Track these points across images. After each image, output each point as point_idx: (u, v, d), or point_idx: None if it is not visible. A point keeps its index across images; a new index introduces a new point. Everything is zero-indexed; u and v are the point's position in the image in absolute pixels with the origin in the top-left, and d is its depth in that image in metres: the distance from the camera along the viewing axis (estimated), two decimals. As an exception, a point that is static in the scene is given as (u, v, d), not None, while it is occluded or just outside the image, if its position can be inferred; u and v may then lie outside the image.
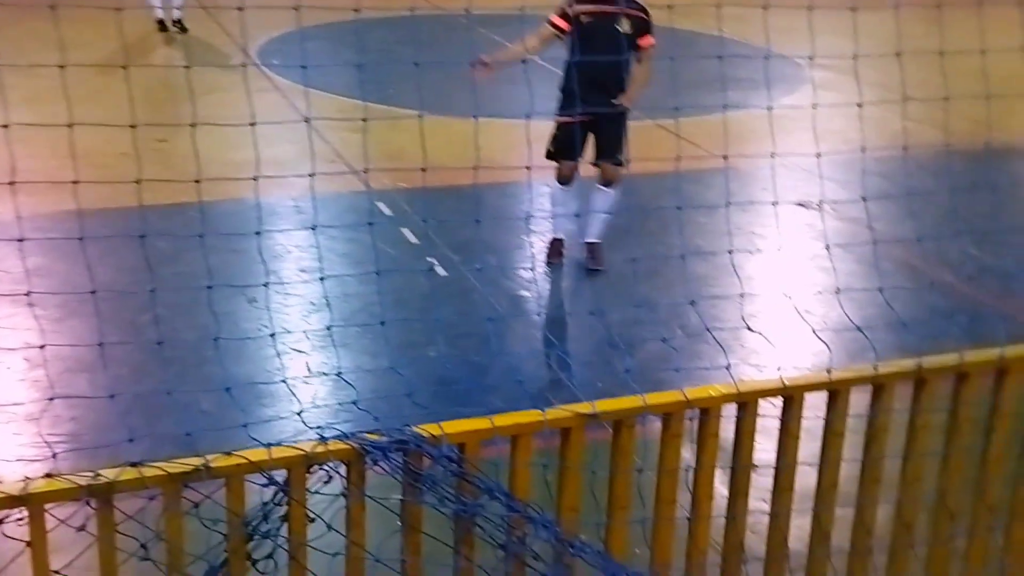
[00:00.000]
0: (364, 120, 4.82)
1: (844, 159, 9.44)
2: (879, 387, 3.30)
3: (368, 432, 2.88)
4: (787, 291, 7.13)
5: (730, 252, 5.49)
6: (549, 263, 7.85)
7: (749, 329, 6.16)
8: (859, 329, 3.56)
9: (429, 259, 7.58)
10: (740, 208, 8.65)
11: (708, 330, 5.15)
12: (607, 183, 7.76)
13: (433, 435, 2.85)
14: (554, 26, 7.46)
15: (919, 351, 5.73)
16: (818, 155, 4.34)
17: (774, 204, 8.23)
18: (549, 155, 7.64)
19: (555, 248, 7.92)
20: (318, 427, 2.93)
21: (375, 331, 6.16)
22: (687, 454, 3.18)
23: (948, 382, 3.45)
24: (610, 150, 7.64)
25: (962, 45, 5.14)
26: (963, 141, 9.54)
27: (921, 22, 5.45)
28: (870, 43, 5.08)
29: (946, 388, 3.48)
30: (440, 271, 7.46)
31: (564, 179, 7.77)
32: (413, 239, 7.99)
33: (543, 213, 8.20)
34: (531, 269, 7.73)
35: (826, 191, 8.96)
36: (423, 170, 3.49)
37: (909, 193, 8.83)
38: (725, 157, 5.85)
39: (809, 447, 3.37)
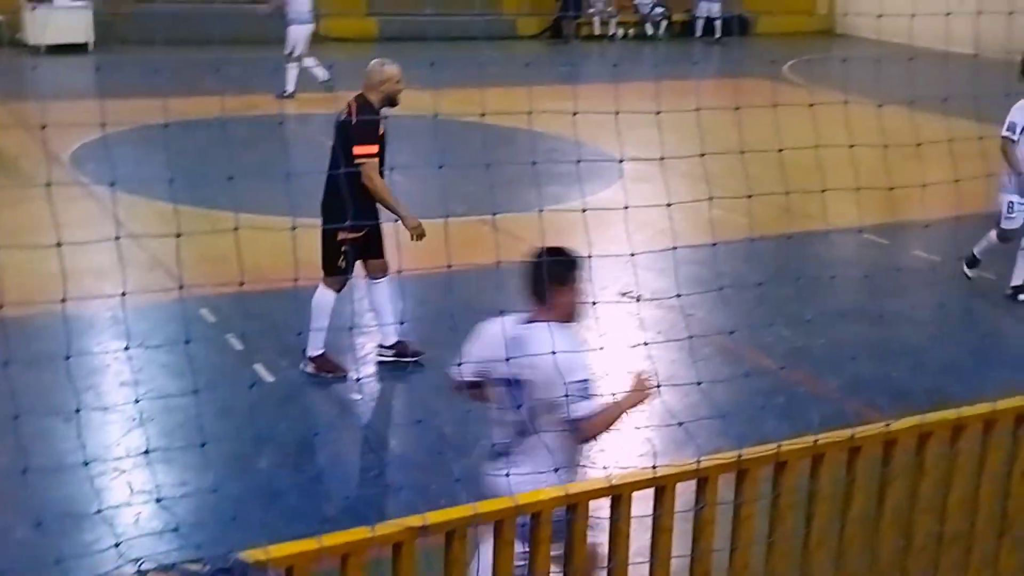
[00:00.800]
0: (178, 235, 4.68)
1: (663, 249, 9.77)
2: (703, 480, 3.37)
3: (191, 561, 2.77)
4: (614, 385, 7.29)
5: (553, 353, 5.54)
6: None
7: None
8: (679, 424, 3.62)
9: (255, 366, 7.43)
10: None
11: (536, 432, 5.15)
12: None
13: (259, 560, 2.76)
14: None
15: (741, 436, 5.91)
16: (632, 254, 4.42)
17: (593, 303, 8.39)
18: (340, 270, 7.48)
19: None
20: (137, 559, 2.80)
21: (201, 447, 5.97)
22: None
23: (768, 469, 3.55)
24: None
25: (763, 137, 5.42)
26: (769, 227, 10.07)
27: (726, 113, 5.71)
28: (678, 136, 5.30)
29: (767, 475, 3.59)
30: (267, 377, 7.31)
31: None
32: (238, 345, 7.82)
33: (369, 313, 8.15)
34: (360, 372, 7.65)
35: (646, 280, 9.20)
36: (241, 284, 3.40)
37: (732, 283, 9.20)
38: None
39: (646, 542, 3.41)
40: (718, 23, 27.04)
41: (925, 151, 5.43)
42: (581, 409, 3.97)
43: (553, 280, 4.28)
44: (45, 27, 20.20)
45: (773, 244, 10.07)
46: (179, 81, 15.15)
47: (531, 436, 4.06)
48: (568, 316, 4.38)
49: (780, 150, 4.23)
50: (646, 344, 5.63)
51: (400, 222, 7.29)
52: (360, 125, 7.08)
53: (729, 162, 5.35)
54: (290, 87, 17.18)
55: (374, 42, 22.26)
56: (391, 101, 7.44)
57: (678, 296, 6.32)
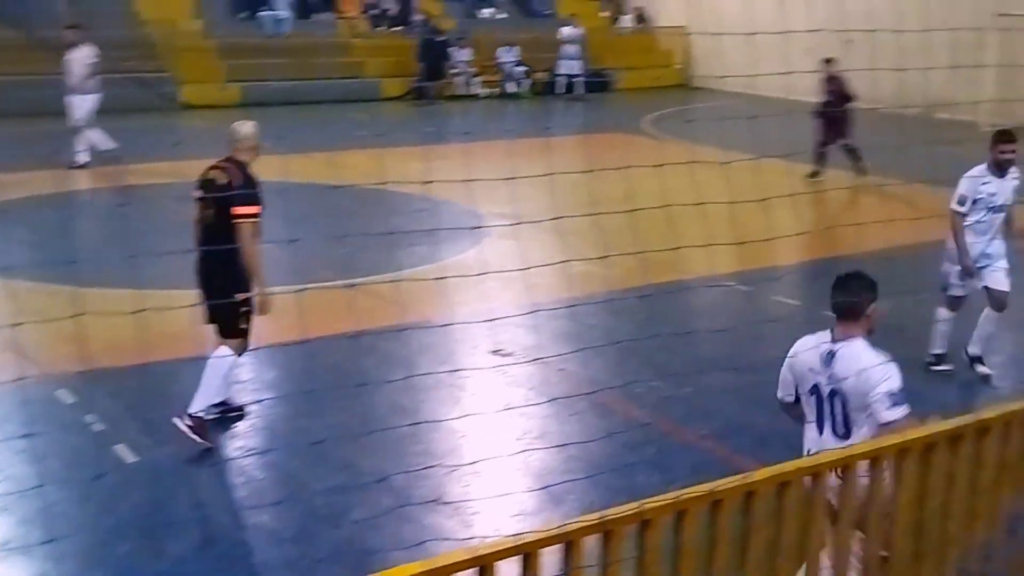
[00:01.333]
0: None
1: (533, 304, 9.84)
2: (569, 543, 3.36)
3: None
4: (487, 445, 7.27)
5: (418, 423, 5.49)
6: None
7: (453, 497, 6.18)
8: (544, 487, 3.61)
9: (116, 447, 7.18)
10: (438, 360, 8.78)
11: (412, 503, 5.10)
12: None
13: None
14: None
15: (615, 490, 5.94)
16: (492, 320, 4.42)
17: (452, 372, 8.39)
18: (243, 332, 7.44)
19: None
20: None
21: (60, 536, 5.74)
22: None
23: (633, 527, 3.56)
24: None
25: (625, 190, 5.54)
26: (635, 279, 10.23)
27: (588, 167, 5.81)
28: (543, 191, 5.37)
29: (633, 532, 3.60)
30: (129, 458, 7.07)
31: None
32: (99, 426, 7.56)
33: (237, 386, 7.98)
34: (225, 446, 7.46)
35: (518, 337, 9.24)
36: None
37: (601, 335, 9.31)
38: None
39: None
40: (579, 80, 27.57)
41: (775, 199, 5.60)
42: (894, 414, 4.62)
43: (863, 300, 4.93)
44: None
45: (639, 295, 10.22)
46: None
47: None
48: (871, 331, 4.97)
49: (632, 210, 4.29)
50: (508, 406, 5.53)
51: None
52: (244, 187, 7.05)
53: (597, 217, 5.44)
54: (81, 158, 16.73)
55: (237, 108, 22.04)
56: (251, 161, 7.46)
57: (557, 355, 6.29)
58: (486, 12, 30.06)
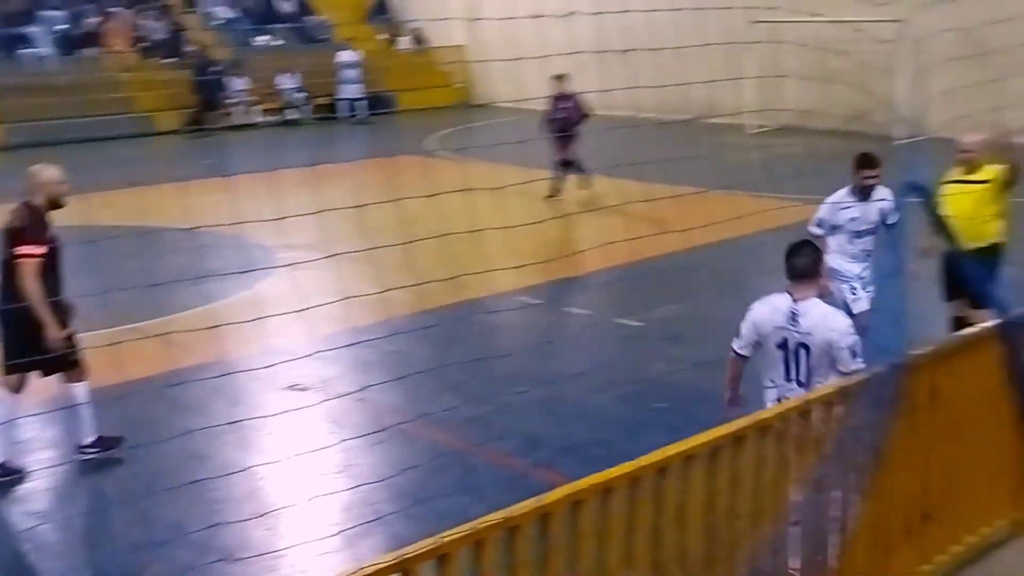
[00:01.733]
0: None
1: (329, 334, 9.71)
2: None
3: None
4: (288, 486, 7.12)
5: (210, 476, 5.36)
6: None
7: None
8: (353, 526, 3.56)
9: None
10: (232, 401, 8.55)
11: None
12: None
13: None
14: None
15: (421, 517, 5.92)
16: (287, 360, 4.34)
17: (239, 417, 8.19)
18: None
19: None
20: None
21: None
22: None
23: (431, 563, 3.55)
24: None
25: (419, 212, 5.55)
26: (432, 301, 10.26)
27: (380, 192, 5.78)
28: (337, 218, 5.31)
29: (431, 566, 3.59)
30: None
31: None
32: None
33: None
34: (9, 511, 7.07)
35: (314, 370, 9.09)
36: None
37: (400, 360, 9.25)
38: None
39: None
40: (361, 103, 27.48)
41: (544, 211, 5.71)
42: (855, 364, 5.25)
43: (815, 263, 5.65)
44: None
45: (437, 317, 10.25)
46: None
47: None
48: (820, 293, 5.75)
49: (442, 235, 4.29)
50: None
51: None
52: (26, 228, 7.11)
53: (389, 239, 5.43)
54: None
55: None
56: (55, 204, 7.39)
57: (363, 388, 6.20)
58: (261, 40, 29.60)
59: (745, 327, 5.72)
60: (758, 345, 5.68)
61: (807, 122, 18.46)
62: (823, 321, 5.44)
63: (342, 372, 9.22)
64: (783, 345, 5.54)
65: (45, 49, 25.84)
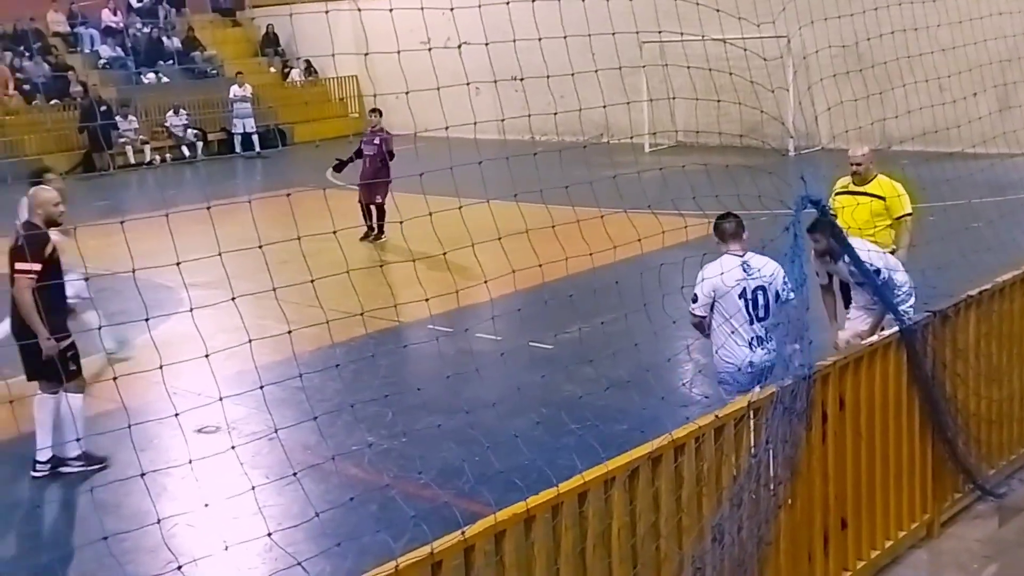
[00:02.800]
0: None
1: (237, 372, 9.53)
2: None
3: None
4: (201, 535, 6.97)
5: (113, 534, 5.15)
6: None
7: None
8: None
9: None
10: (139, 447, 8.33)
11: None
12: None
13: None
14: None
15: (342, 555, 5.84)
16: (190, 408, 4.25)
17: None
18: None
19: None
20: None
21: None
22: None
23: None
24: None
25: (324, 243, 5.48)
26: (340, 333, 10.14)
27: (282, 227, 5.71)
28: (238, 256, 5.21)
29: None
30: None
31: None
32: None
33: None
34: None
35: (223, 411, 8.90)
36: None
37: (310, 395, 9.12)
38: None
39: None
40: (255, 137, 27.21)
41: (451, 239, 5.71)
42: (793, 294, 5.83)
43: (740, 225, 6.81)
44: None
45: (346, 350, 10.15)
46: None
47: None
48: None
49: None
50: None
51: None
52: (25, 244, 7.74)
53: (292, 275, 5.37)
54: None
55: None
56: (53, 223, 8.15)
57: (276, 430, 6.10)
58: (150, 78, 29.13)
59: (702, 292, 6.70)
60: (711, 306, 6.67)
61: (701, 139, 18.81)
62: (768, 263, 6.58)
63: (252, 412, 9.06)
64: (743, 294, 6.59)
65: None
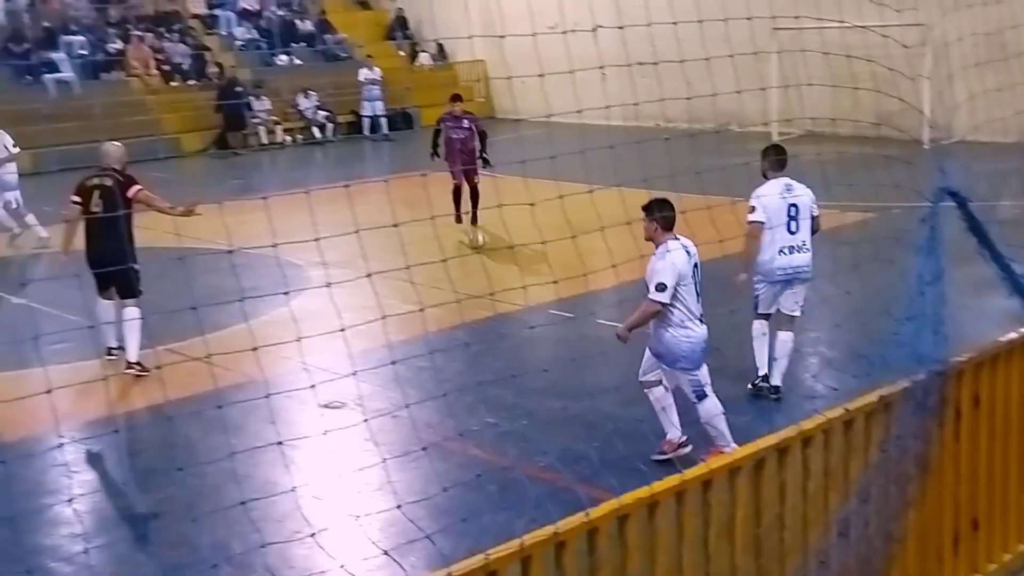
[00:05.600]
0: None
1: (363, 351, 9.71)
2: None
3: None
4: (327, 505, 7.14)
5: (245, 501, 5.30)
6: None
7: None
8: (393, 548, 3.57)
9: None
10: (267, 420, 8.56)
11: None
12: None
13: None
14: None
15: (461, 533, 5.92)
16: (321, 382, 4.35)
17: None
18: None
19: None
20: None
21: None
22: None
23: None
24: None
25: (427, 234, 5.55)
26: (464, 315, 10.26)
27: (409, 210, 5.80)
28: (371, 236, 5.32)
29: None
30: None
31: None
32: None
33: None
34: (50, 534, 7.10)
35: (348, 387, 9.09)
36: None
37: (433, 376, 9.27)
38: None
39: None
40: (384, 120, 27.59)
41: (579, 223, 5.72)
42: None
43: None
44: None
45: (470, 332, 10.25)
46: None
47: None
48: None
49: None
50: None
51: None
52: (128, 178, 10.38)
53: (416, 256, 5.45)
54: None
55: (31, 176, 21.13)
56: (124, 171, 10.56)
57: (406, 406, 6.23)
58: (282, 60, 29.77)
59: (670, 279, 7.07)
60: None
61: (833, 128, 18.43)
62: (694, 247, 7.27)
63: (377, 389, 9.24)
64: (693, 274, 7.18)
65: (68, 74, 26.05)
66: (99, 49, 27.10)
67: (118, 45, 27.64)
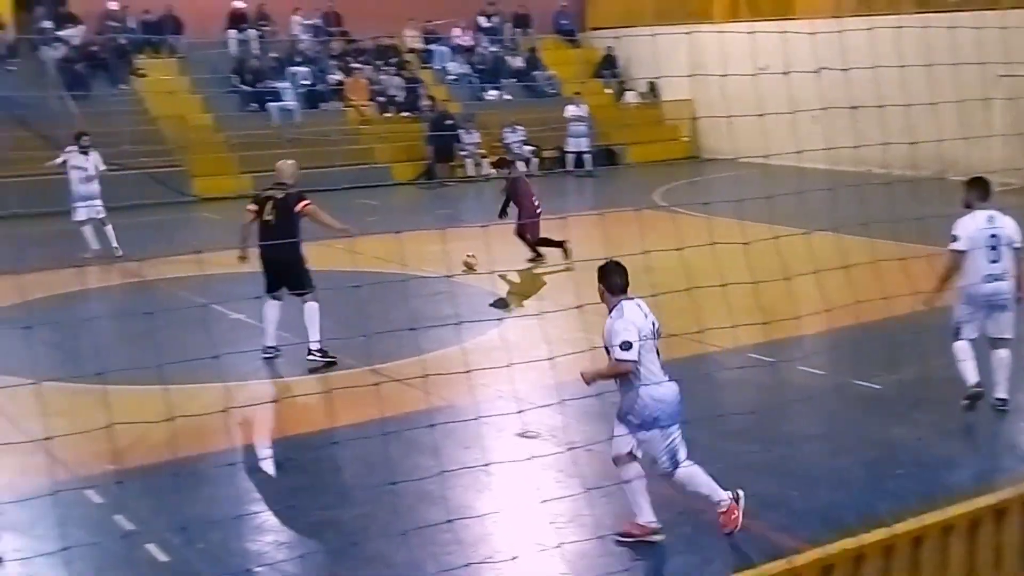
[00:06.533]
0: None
1: (559, 383, 9.76)
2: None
3: None
4: (519, 533, 7.20)
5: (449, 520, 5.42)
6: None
7: None
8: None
9: (147, 546, 7.14)
10: (464, 445, 8.72)
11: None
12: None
13: None
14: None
15: (653, 571, 5.84)
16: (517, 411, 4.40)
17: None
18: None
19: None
20: None
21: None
22: None
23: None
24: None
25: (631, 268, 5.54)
26: (663, 353, 10.16)
27: (602, 247, 5.83)
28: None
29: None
30: (160, 556, 7.02)
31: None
32: (129, 525, 7.51)
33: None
34: (253, 540, 7.40)
35: (543, 417, 9.15)
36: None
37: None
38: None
39: None
40: (588, 156, 27.80)
41: (793, 267, 5.61)
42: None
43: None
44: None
45: (668, 369, 10.17)
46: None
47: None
48: None
49: (688, 290, 4.30)
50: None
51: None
52: (299, 193, 11.42)
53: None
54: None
55: (247, 199, 22.22)
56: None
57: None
58: (492, 95, 30.40)
59: (633, 336, 6.75)
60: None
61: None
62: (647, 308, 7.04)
63: (570, 421, 9.26)
64: (652, 332, 6.95)
65: (291, 103, 27.33)
66: (320, 80, 28.31)
67: (338, 76, 28.80)
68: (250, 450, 9.26)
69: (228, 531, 7.51)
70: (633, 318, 6.83)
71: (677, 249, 6.59)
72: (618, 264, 6.93)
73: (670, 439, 6.98)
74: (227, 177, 24.56)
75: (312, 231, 11.62)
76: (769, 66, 7.80)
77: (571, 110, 28.18)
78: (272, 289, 11.28)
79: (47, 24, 27.40)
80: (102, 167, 17.79)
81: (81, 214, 17.49)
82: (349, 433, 8.85)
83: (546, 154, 28.33)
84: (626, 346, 6.75)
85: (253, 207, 11.40)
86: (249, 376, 10.95)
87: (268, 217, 11.24)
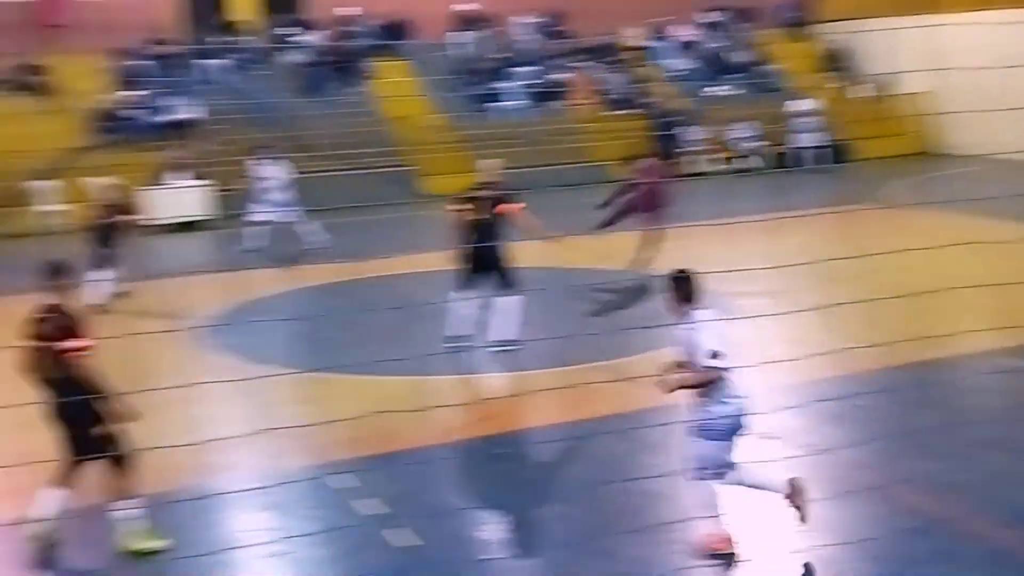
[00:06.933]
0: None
1: (790, 386, 9.53)
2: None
3: None
4: (754, 536, 7.05)
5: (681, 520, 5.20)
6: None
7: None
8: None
9: (399, 529, 7.35)
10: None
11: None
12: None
13: None
14: None
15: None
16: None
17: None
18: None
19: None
20: None
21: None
22: None
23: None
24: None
25: (852, 269, 5.34)
26: (902, 356, 9.70)
27: (841, 243, 5.65)
28: (798, 270, 5.26)
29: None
30: (412, 541, 7.20)
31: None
32: (383, 509, 7.71)
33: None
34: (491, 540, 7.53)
35: (782, 419, 8.89)
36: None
37: (867, 415, 8.91)
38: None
39: None
40: (819, 152, 27.06)
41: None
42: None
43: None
44: (164, 205, 21.16)
45: (906, 374, 9.80)
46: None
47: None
48: None
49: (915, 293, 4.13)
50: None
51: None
52: (505, 192, 11.80)
53: (851, 292, 5.28)
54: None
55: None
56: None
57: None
58: (714, 90, 29.96)
59: (721, 345, 6.53)
60: None
61: None
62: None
63: (809, 424, 9.03)
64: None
65: (515, 102, 27.73)
66: (545, 78, 28.59)
67: (562, 75, 29.00)
68: (485, 441, 9.43)
69: (464, 520, 7.67)
70: (717, 328, 6.69)
71: (923, 249, 6.32)
72: (689, 273, 6.79)
73: (732, 452, 6.79)
74: (457, 176, 25.13)
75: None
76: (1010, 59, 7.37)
77: (797, 105, 27.52)
78: (475, 283, 11.63)
79: (288, 30, 28.75)
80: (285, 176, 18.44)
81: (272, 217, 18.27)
82: (584, 429, 8.92)
83: (772, 150, 27.72)
84: (716, 354, 6.56)
85: (462, 206, 11.74)
86: (482, 369, 11.28)
87: (478, 216, 11.58)
